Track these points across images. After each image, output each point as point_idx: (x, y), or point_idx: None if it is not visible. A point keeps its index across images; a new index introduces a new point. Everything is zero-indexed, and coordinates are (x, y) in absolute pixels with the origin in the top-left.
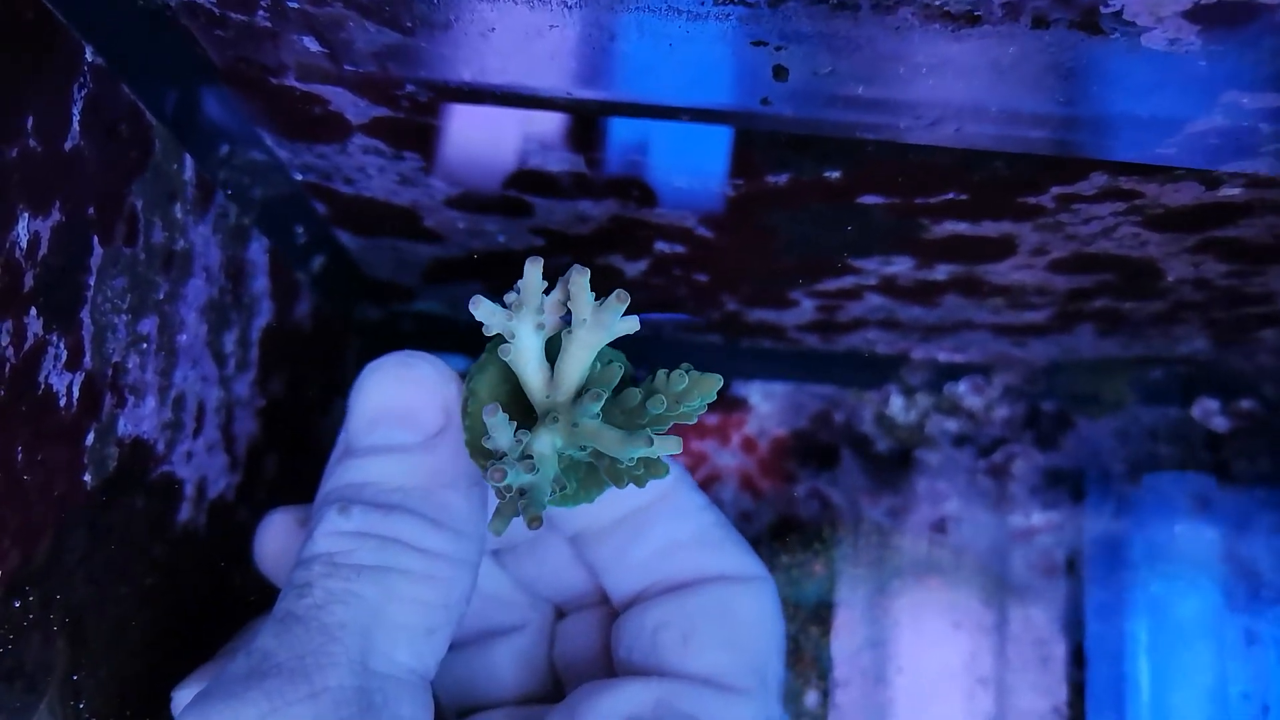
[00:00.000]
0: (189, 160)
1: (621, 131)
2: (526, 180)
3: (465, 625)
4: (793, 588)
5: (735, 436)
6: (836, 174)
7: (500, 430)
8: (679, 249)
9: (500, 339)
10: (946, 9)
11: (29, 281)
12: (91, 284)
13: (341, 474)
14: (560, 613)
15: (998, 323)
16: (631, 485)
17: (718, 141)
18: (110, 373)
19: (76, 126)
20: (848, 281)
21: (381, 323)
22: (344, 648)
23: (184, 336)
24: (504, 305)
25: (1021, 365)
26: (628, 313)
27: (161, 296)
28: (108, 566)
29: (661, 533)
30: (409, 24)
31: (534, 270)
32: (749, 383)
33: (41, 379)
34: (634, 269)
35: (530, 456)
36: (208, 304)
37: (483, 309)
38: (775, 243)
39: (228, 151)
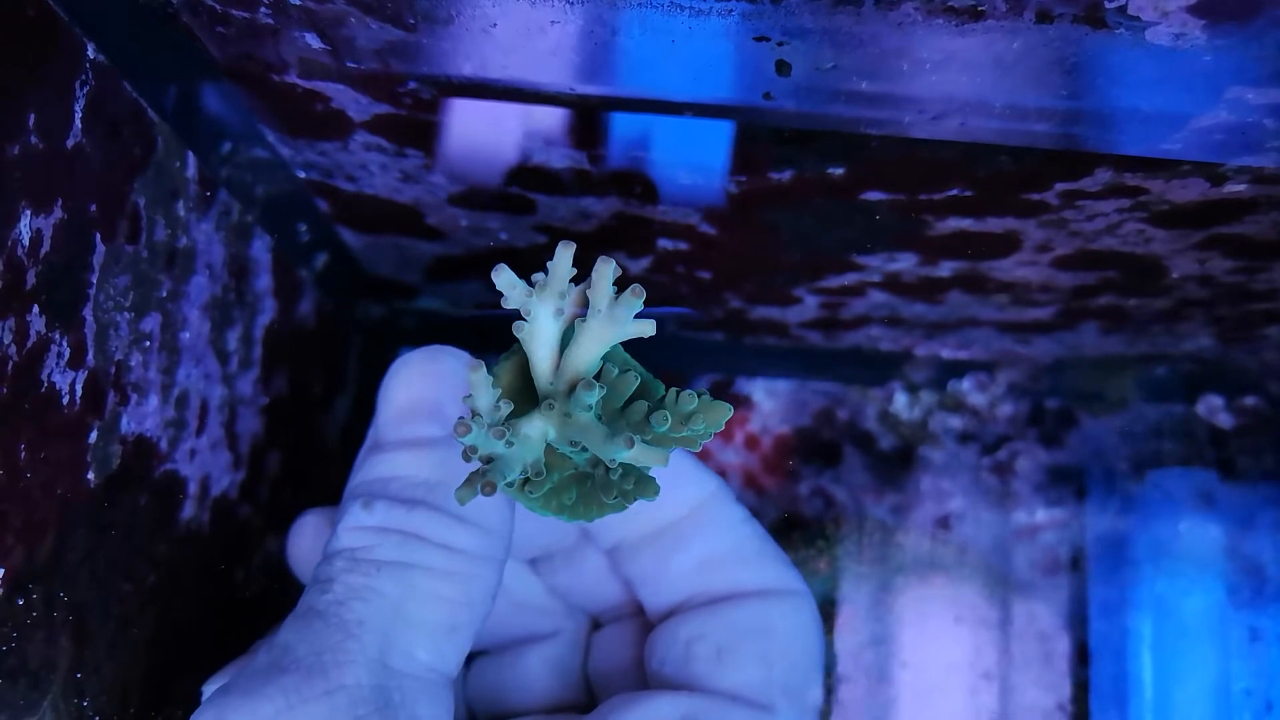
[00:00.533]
0: (191, 158)
1: (624, 128)
2: (528, 177)
3: (499, 632)
4: None
5: (738, 434)
6: (840, 170)
7: (481, 390)
8: (682, 246)
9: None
10: (950, 4)
11: (31, 279)
12: (94, 282)
13: (368, 468)
14: (596, 624)
15: (1002, 320)
16: (666, 499)
17: (720, 137)
18: (113, 371)
19: (78, 124)
20: (851, 278)
21: (384, 320)
22: (361, 645)
23: (187, 334)
24: (529, 284)
25: (1026, 362)
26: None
27: (164, 294)
28: (111, 564)
29: (699, 546)
30: (411, 20)
31: (565, 254)
32: (752, 380)
33: (44, 377)
34: (637, 266)
35: (502, 425)
36: (210, 302)
37: (504, 278)
38: (778, 239)
39: (230, 149)
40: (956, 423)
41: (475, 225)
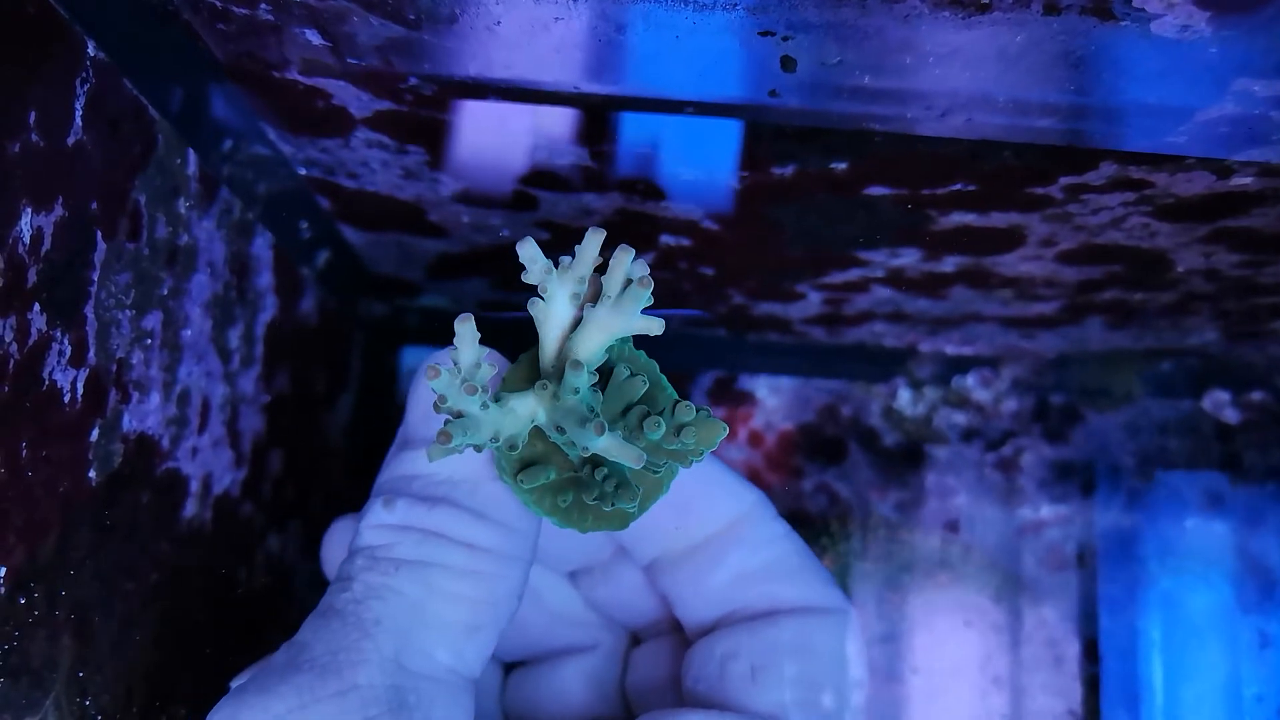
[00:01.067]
0: (192, 155)
1: (628, 125)
2: (531, 174)
3: (537, 643)
4: None
5: (742, 431)
6: (843, 165)
7: (466, 343)
8: (685, 242)
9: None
10: None
11: (32, 277)
12: (95, 279)
13: (394, 466)
14: (636, 639)
15: (1006, 315)
16: (703, 514)
17: (724, 134)
18: (114, 369)
19: (79, 122)
20: (854, 274)
21: (386, 318)
22: (377, 644)
23: (188, 332)
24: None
25: (1030, 358)
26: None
27: (165, 292)
28: (113, 563)
29: (735, 561)
30: (412, 17)
31: (594, 240)
32: (755, 377)
33: (45, 375)
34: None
35: (473, 384)
36: (212, 299)
37: (528, 251)
38: (782, 235)
39: (231, 146)
40: (961, 419)
41: (477, 222)
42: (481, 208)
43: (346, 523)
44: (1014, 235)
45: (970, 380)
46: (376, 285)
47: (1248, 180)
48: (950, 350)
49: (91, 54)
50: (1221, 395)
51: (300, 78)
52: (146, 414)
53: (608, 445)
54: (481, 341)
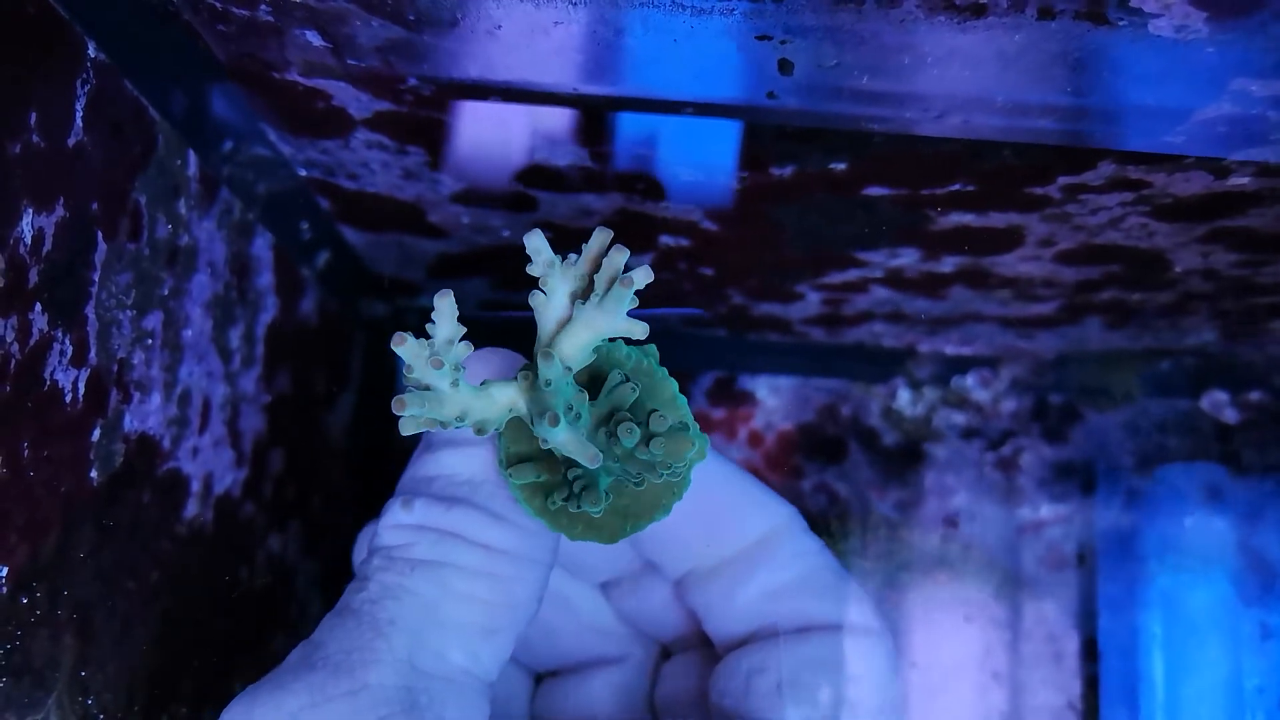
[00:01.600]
0: (192, 156)
1: (627, 126)
2: (531, 175)
3: (566, 653)
4: None
5: (742, 430)
6: (842, 165)
7: (444, 319)
8: (684, 242)
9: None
10: (952, 0)
11: (33, 278)
12: (96, 280)
13: (416, 467)
14: (667, 652)
15: (1005, 315)
16: (733, 528)
17: (723, 135)
18: (116, 369)
19: (79, 122)
20: (854, 274)
21: (387, 318)
22: (390, 644)
23: (189, 332)
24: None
25: (1029, 358)
26: (638, 310)
27: (166, 292)
28: (115, 562)
29: (765, 577)
30: (412, 19)
31: (600, 239)
32: (755, 377)
33: (47, 375)
34: (639, 263)
35: (439, 358)
36: (212, 300)
37: (534, 242)
38: (781, 236)
39: (231, 147)
40: (960, 419)
41: (477, 223)
42: (481, 208)
43: (374, 527)
44: (1013, 235)
45: (969, 380)
46: (377, 285)
47: (1245, 180)
48: (949, 350)
49: (92, 55)
50: (1220, 395)
51: (300, 79)
52: (148, 414)
53: (564, 440)
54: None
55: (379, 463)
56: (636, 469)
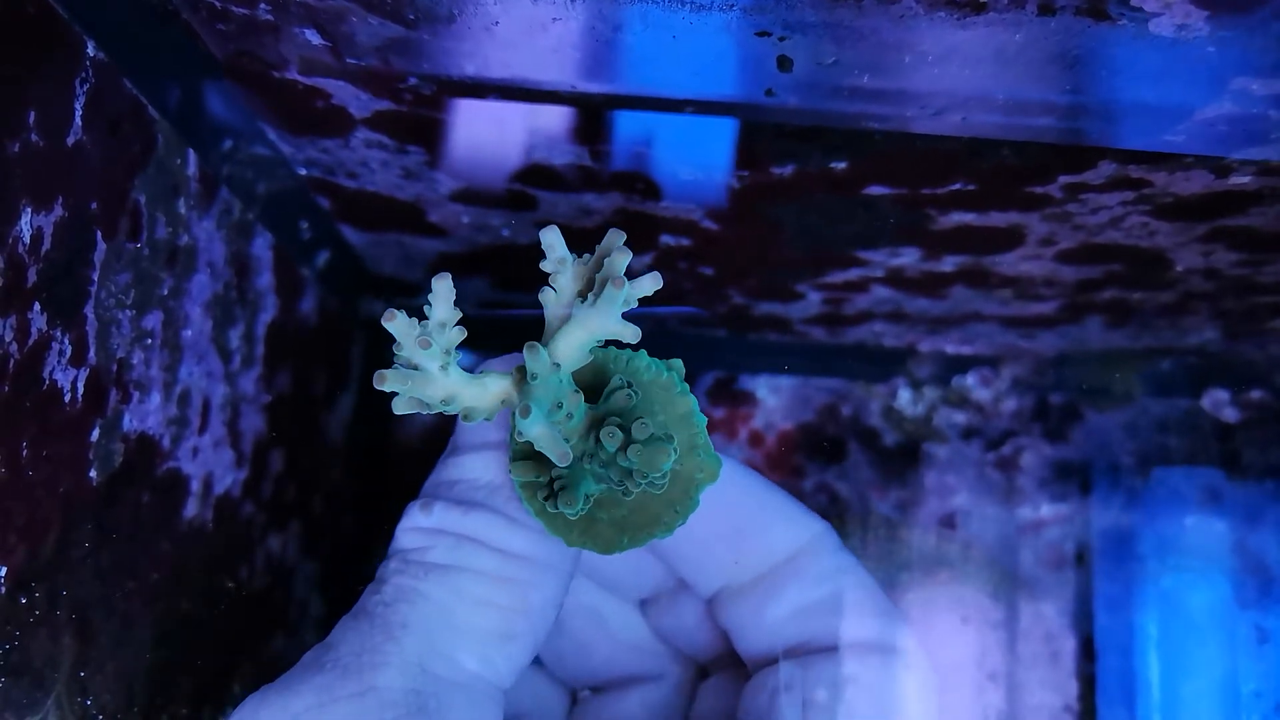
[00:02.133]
0: (192, 155)
1: (626, 124)
2: (530, 174)
3: (604, 670)
4: None
5: (742, 430)
6: (842, 165)
7: (440, 301)
8: (684, 242)
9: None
10: None
11: (32, 277)
12: (95, 279)
13: (440, 471)
14: (706, 672)
15: (1005, 314)
16: (762, 545)
17: (722, 133)
18: (115, 368)
19: (79, 122)
20: (854, 274)
21: None
22: (400, 648)
23: (188, 332)
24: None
25: (1030, 357)
26: (638, 309)
27: (165, 292)
28: (114, 562)
29: (795, 595)
30: (411, 17)
31: (611, 240)
32: (755, 377)
33: (46, 375)
34: (639, 263)
35: (426, 338)
36: (212, 299)
37: (549, 237)
38: (781, 235)
39: (231, 146)
40: (961, 418)
41: (477, 222)
42: (481, 207)
43: None
44: (1013, 234)
45: (970, 380)
46: (377, 285)
47: (1246, 179)
48: (950, 350)
49: (91, 54)
50: (1221, 394)
51: (300, 77)
52: (147, 414)
53: (537, 434)
54: (481, 341)
55: (379, 463)
56: (618, 475)
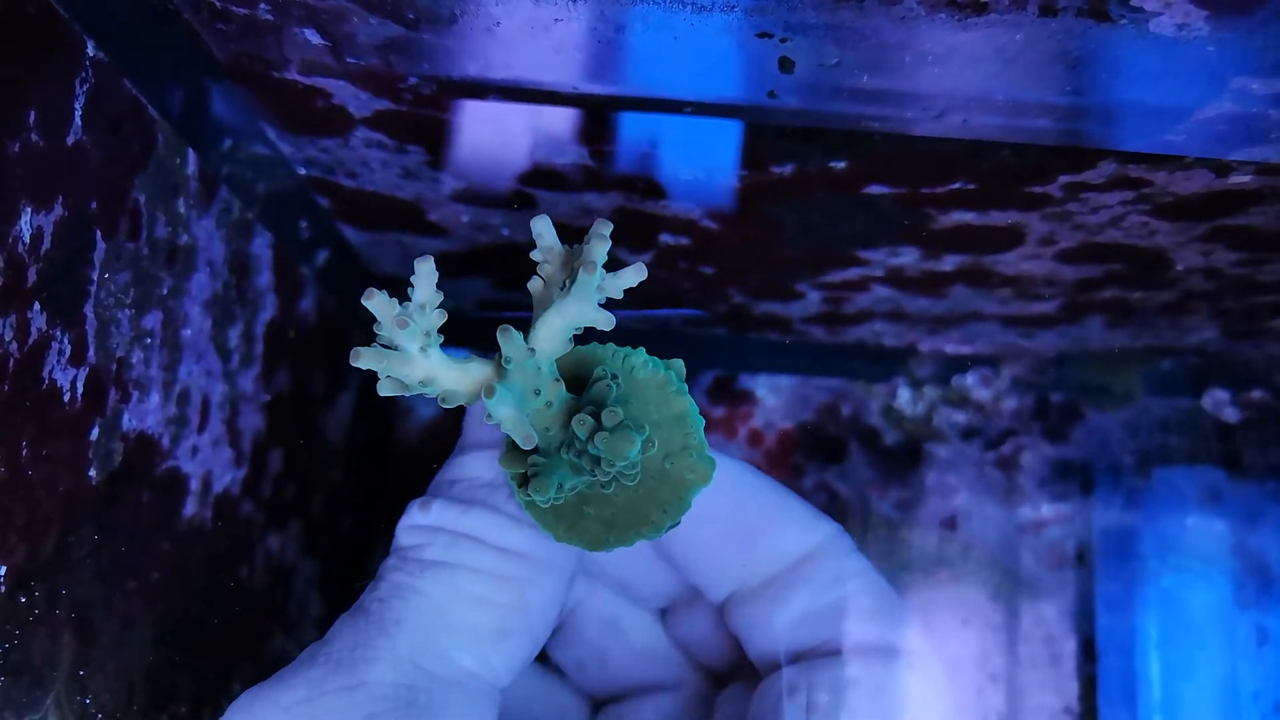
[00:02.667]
0: (191, 155)
1: (626, 124)
2: (530, 174)
3: (617, 677)
4: None
5: (742, 430)
6: (842, 164)
7: (422, 282)
8: (684, 241)
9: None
10: None
11: (32, 276)
12: (94, 279)
13: (445, 470)
14: (725, 681)
15: (1006, 314)
16: (772, 548)
17: (723, 134)
18: (114, 368)
19: (78, 121)
20: (854, 273)
21: None
22: (392, 643)
23: (188, 331)
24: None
25: (1030, 357)
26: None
27: (165, 291)
28: (113, 562)
29: (804, 599)
30: (412, 17)
31: (597, 229)
32: (755, 376)
33: (45, 374)
34: (638, 261)
35: (404, 318)
36: (211, 299)
37: (541, 225)
38: (781, 235)
39: (230, 146)
40: (961, 418)
41: (477, 222)
42: (481, 207)
43: None
44: (1013, 234)
45: (970, 379)
46: (376, 285)
47: (1246, 179)
48: (950, 349)
49: (91, 54)
50: (1221, 394)
51: (300, 77)
52: (146, 413)
53: (504, 416)
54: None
55: (378, 462)
56: (589, 464)
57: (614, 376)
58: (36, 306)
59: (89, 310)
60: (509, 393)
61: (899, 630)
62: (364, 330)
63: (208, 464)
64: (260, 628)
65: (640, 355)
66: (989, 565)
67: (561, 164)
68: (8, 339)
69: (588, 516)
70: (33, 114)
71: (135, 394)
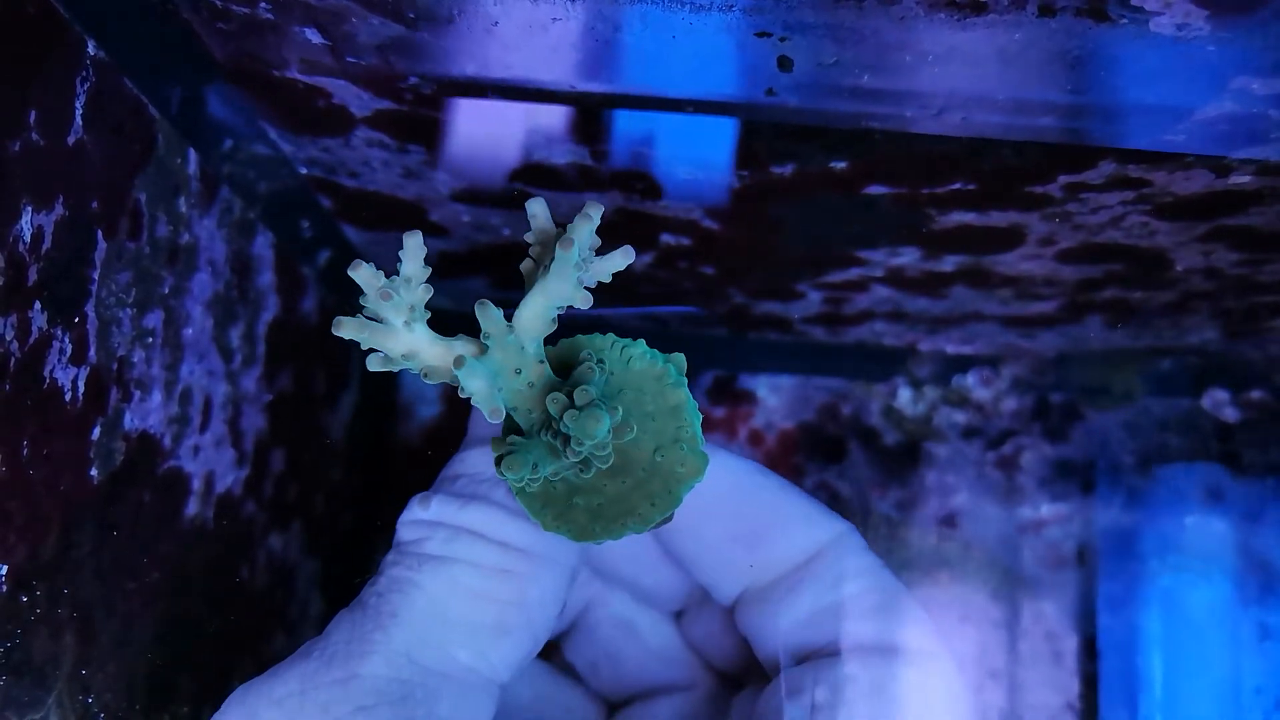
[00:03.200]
0: (192, 154)
1: (626, 123)
2: (530, 173)
3: (629, 677)
4: None
5: (742, 430)
6: (843, 164)
7: (411, 256)
8: (684, 241)
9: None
10: None
11: (33, 276)
12: (95, 278)
13: (448, 465)
14: (742, 683)
15: (1006, 314)
16: (780, 547)
17: (723, 133)
18: (116, 367)
19: (79, 121)
20: (854, 273)
21: None
22: (387, 637)
23: (190, 331)
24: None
25: (1030, 357)
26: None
27: (166, 291)
28: (115, 561)
29: (812, 598)
30: (412, 16)
31: (587, 208)
32: (756, 376)
33: (46, 373)
34: (639, 262)
35: (388, 290)
36: (213, 298)
37: (535, 207)
38: (781, 235)
39: (231, 146)
40: (961, 418)
41: (478, 221)
42: (481, 207)
43: None
44: (1013, 234)
45: (970, 379)
46: None
47: (1246, 179)
48: (950, 349)
49: (91, 53)
50: (1221, 394)
51: (300, 77)
52: (148, 412)
53: (474, 389)
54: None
55: (380, 461)
56: (562, 444)
57: (600, 361)
58: (37, 306)
59: (90, 310)
60: (483, 367)
61: (909, 629)
62: None
63: (210, 464)
64: (262, 627)
65: (640, 346)
66: (989, 565)
67: (561, 164)
68: (9, 338)
69: (576, 507)
70: (33, 113)
71: (137, 393)
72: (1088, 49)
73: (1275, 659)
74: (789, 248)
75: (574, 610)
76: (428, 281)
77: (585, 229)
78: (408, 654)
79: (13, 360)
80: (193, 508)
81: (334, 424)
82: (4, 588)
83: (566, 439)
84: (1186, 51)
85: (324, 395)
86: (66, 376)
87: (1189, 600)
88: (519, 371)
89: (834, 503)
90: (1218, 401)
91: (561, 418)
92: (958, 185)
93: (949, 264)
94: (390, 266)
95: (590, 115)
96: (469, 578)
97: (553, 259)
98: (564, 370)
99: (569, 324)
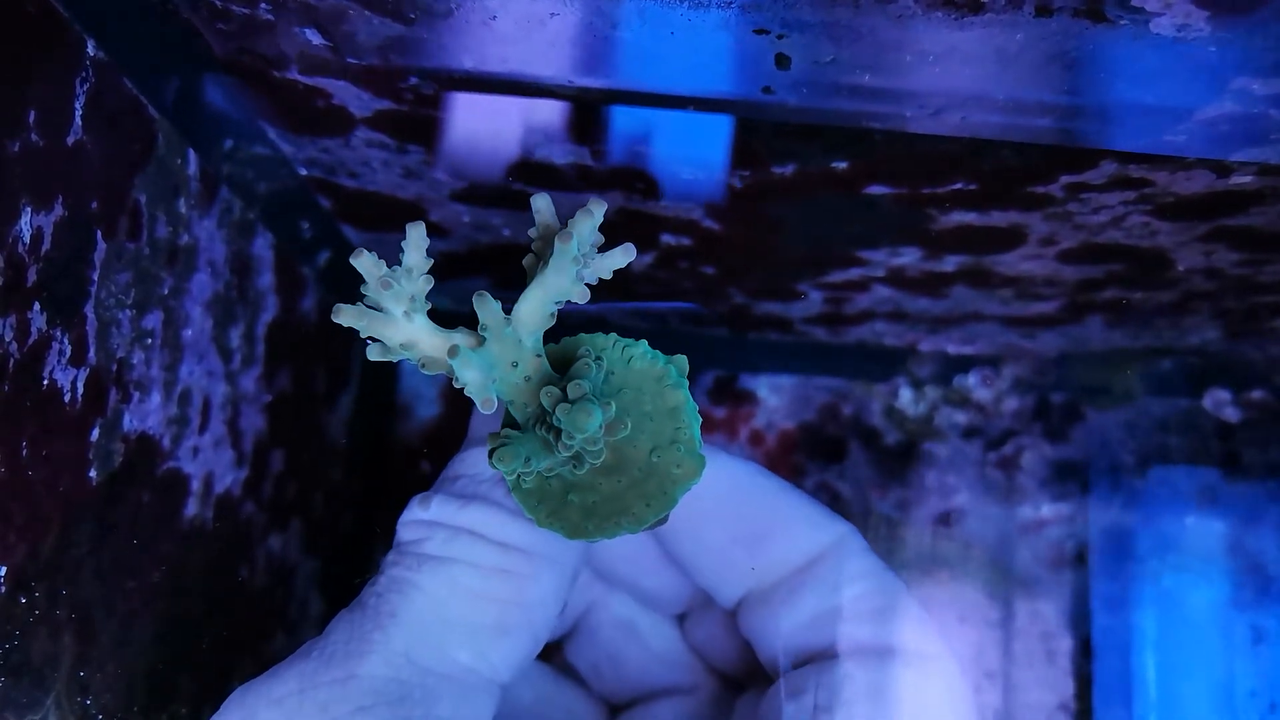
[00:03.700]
0: (192, 155)
1: (625, 122)
2: (530, 173)
3: (631, 680)
4: None
5: (743, 430)
6: (843, 164)
7: (413, 248)
8: (685, 241)
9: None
10: None
11: (32, 276)
12: (95, 279)
13: (449, 465)
14: (745, 686)
15: (1006, 314)
16: (782, 549)
17: (721, 132)
18: (115, 368)
19: (79, 121)
20: (855, 273)
21: None
22: (386, 637)
23: (189, 332)
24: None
25: (1030, 357)
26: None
27: (166, 291)
28: (114, 562)
29: (813, 601)
30: (411, 14)
31: (590, 204)
32: (756, 376)
33: (46, 374)
34: (640, 262)
35: (387, 279)
36: (213, 299)
37: (540, 203)
38: (782, 234)
39: (231, 146)
40: (961, 418)
41: (478, 221)
42: (481, 207)
43: None
44: (1014, 234)
45: (971, 379)
46: None
47: (1247, 179)
48: (951, 349)
49: (91, 53)
50: (1222, 394)
51: (300, 77)
52: (147, 413)
53: (467, 379)
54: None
55: (380, 461)
56: (554, 438)
57: (598, 358)
58: (36, 307)
59: (89, 310)
60: (478, 358)
61: (911, 631)
62: None
63: (209, 464)
64: (261, 627)
65: (641, 346)
66: (989, 565)
67: (561, 163)
68: (8, 339)
69: (570, 504)
70: (33, 113)
71: (136, 394)
72: (1087, 50)
73: (1269, 663)
74: (790, 248)
75: (575, 612)
76: (429, 273)
77: (586, 224)
78: (407, 654)
79: (12, 361)
80: (192, 508)
81: (333, 424)
82: (3, 588)
83: (559, 433)
84: (1187, 52)
85: (323, 396)
86: (66, 377)
87: (1186, 601)
88: (515, 365)
89: (834, 503)
90: (1219, 401)
91: (554, 411)
92: (958, 185)
93: (950, 264)
94: (391, 264)
95: (589, 113)
96: (469, 578)
97: (553, 253)
98: (565, 368)
99: (573, 324)
